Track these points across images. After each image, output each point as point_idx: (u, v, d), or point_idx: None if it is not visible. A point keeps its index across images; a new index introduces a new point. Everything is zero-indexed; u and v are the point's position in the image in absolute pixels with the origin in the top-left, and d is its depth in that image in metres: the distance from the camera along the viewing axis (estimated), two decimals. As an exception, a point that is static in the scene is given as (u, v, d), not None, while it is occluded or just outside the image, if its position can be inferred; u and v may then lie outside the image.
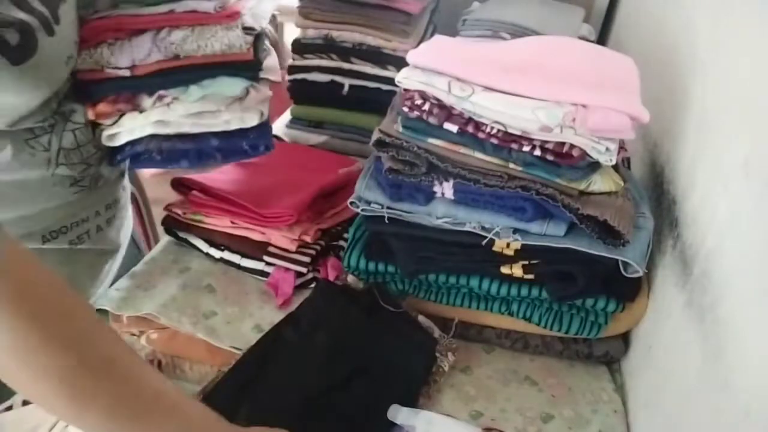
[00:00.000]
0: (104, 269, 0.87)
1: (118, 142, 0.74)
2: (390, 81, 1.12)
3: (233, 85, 0.67)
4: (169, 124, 0.71)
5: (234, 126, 0.68)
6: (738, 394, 0.49)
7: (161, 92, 0.68)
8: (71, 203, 0.77)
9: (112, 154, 0.76)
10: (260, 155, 0.72)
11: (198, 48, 0.63)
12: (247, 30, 0.66)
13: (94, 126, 0.73)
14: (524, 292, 0.72)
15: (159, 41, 0.65)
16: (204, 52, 0.63)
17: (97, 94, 0.70)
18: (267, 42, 0.76)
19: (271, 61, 0.74)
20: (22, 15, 0.59)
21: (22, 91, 0.61)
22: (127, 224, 0.92)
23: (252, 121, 0.68)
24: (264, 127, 0.68)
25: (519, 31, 0.94)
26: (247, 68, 0.67)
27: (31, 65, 0.60)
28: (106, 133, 0.73)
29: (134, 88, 0.70)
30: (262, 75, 0.71)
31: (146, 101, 0.70)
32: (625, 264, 0.66)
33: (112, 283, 0.84)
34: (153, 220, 1.15)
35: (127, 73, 0.67)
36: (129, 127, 0.72)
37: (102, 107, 0.70)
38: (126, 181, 0.92)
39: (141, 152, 0.75)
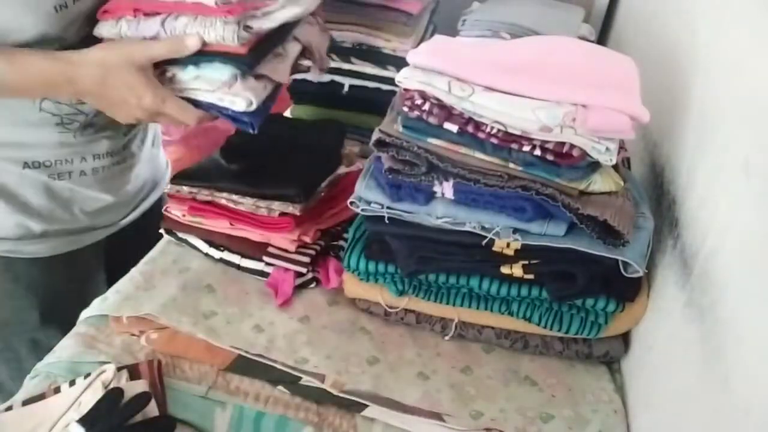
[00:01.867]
0: (91, 217, 0.92)
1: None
2: (390, 81, 1.12)
3: (221, 71, 0.73)
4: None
5: (224, 104, 0.75)
6: (738, 394, 0.49)
7: (165, 67, 0.74)
8: (57, 143, 0.83)
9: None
10: (245, 130, 0.79)
11: (196, 34, 0.71)
12: (247, 27, 0.72)
13: None
14: (524, 292, 0.72)
15: (166, 24, 0.72)
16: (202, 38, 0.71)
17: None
18: (287, 47, 0.82)
19: (278, 63, 0.80)
20: None
21: (8, 19, 0.69)
22: (126, 184, 0.95)
23: (238, 106, 0.74)
24: (252, 114, 0.75)
25: (519, 31, 0.94)
26: (237, 60, 0.73)
27: None
28: None
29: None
30: (260, 71, 0.76)
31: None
32: (625, 264, 0.66)
33: (111, 284, 0.84)
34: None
35: None
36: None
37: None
38: (145, 150, 0.97)
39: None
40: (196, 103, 0.75)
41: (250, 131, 0.76)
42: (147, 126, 0.98)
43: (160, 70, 0.74)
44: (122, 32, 0.73)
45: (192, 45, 0.71)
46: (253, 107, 0.74)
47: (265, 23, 0.75)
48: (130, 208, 0.99)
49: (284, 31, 0.80)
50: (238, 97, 0.73)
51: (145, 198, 1.03)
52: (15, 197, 0.85)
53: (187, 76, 0.74)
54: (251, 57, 0.73)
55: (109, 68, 0.71)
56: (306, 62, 0.89)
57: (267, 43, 0.77)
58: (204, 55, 0.72)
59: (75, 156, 0.86)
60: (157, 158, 1.06)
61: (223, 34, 0.70)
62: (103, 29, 0.74)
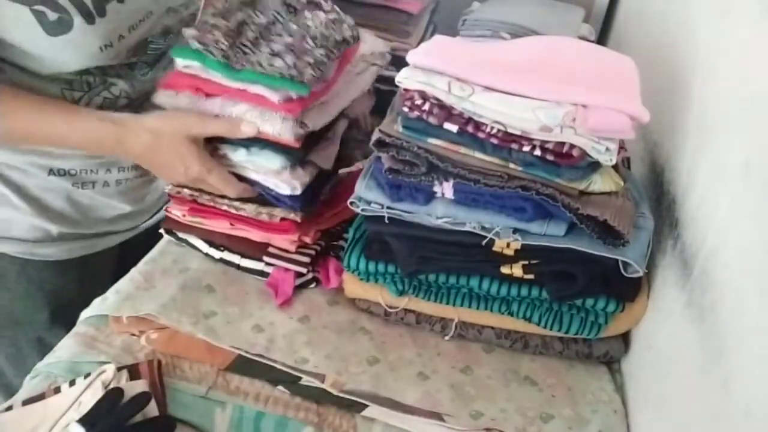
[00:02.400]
0: (114, 222, 0.94)
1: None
2: (390, 81, 1.12)
3: (273, 160, 0.75)
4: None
5: (269, 185, 0.78)
6: (738, 394, 0.49)
7: (217, 144, 0.77)
8: (85, 155, 0.84)
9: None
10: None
11: (253, 123, 0.72)
12: (303, 125, 0.73)
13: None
14: (524, 292, 0.72)
15: (225, 107, 0.74)
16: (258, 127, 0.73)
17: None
18: (336, 127, 0.85)
19: (326, 148, 0.82)
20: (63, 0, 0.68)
21: (54, 57, 0.73)
22: (147, 198, 0.96)
23: (283, 190, 0.77)
24: (294, 197, 0.78)
25: (519, 31, 0.94)
26: (290, 153, 0.75)
27: (63, 40, 0.70)
28: None
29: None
30: (310, 158, 0.79)
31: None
32: (625, 264, 0.66)
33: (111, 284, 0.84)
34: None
35: None
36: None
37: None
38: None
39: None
40: (240, 177, 0.78)
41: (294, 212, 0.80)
42: None
43: (213, 146, 0.76)
44: (179, 105, 0.75)
45: (248, 131, 0.72)
46: (298, 192, 0.76)
47: (321, 119, 0.77)
48: (146, 216, 1.00)
49: (336, 117, 0.83)
50: (285, 183, 0.76)
51: (162, 207, 1.02)
52: (36, 200, 0.86)
53: (237, 157, 0.76)
54: (303, 151, 0.75)
55: (162, 137, 0.73)
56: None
57: (318, 132, 0.79)
58: (257, 141, 0.74)
59: (101, 167, 0.87)
60: None
61: (280, 129, 0.71)
62: (161, 98, 0.76)
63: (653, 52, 0.91)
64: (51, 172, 0.85)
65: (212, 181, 0.76)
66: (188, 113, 0.74)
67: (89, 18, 0.70)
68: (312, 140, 0.78)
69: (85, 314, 0.78)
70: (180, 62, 0.74)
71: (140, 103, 0.85)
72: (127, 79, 0.83)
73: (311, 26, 0.77)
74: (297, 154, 0.75)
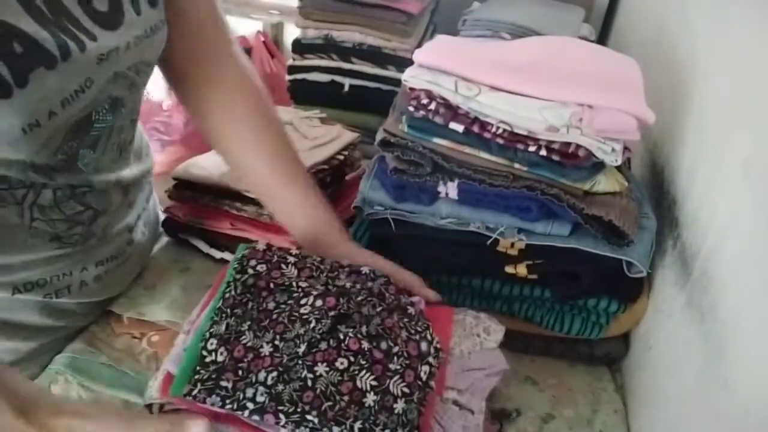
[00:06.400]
0: (95, 312, 0.78)
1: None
2: (390, 81, 1.12)
3: None
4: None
5: None
6: (738, 394, 0.49)
7: None
8: (52, 258, 0.66)
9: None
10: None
11: None
12: None
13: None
14: (527, 291, 0.72)
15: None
16: None
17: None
18: None
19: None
20: None
21: None
22: (129, 274, 0.81)
23: None
24: None
25: (519, 31, 0.94)
26: None
27: None
28: None
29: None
30: None
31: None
32: (628, 264, 0.66)
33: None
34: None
35: None
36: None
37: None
38: (140, 236, 0.80)
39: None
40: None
41: None
42: (147, 201, 0.83)
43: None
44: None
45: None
46: None
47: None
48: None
49: None
50: None
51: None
52: (4, 324, 0.68)
53: None
54: None
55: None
56: None
57: None
58: None
59: (74, 267, 0.69)
60: (154, 213, 0.89)
61: None
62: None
63: (653, 52, 0.91)
64: (16, 289, 0.65)
65: None
66: None
67: (3, 89, 0.49)
68: None
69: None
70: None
71: (83, 193, 0.65)
72: (69, 173, 0.62)
73: None
74: None
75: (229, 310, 0.57)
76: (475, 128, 0.64)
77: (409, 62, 0.70)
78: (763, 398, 0.45)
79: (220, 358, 0.54)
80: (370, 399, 0.51)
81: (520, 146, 0.63)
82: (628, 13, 1.21)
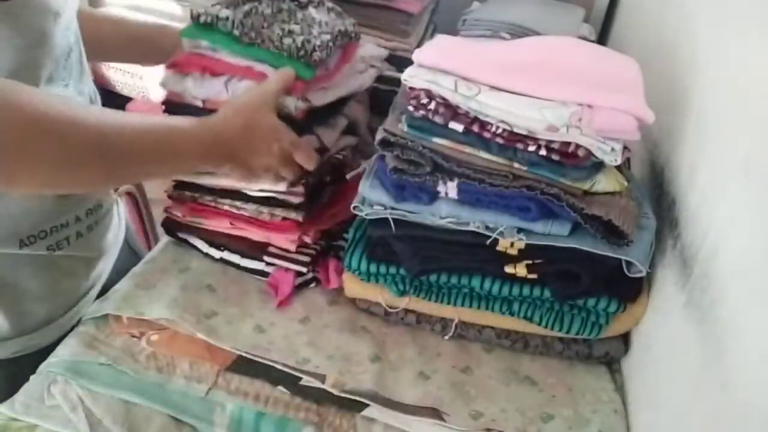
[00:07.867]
0: (90, 275, 0.85)
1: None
2: (389, 80, 1.12)
3: None
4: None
5: None
6: (738, 394, 0.49)
7: None
8: (50, 206, 0.74)
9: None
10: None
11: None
12: (305, 99, 0.75)
13: None
14: (526, 291, 0.72)
15: (229, 84, 0.75)
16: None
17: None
18: (336, 120, 0.87)
19: (327, 130, 0.84)
20: None
21: None
22: (113, 230, 0.88)
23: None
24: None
25: (519, 31, 0.94)
26: (293, 124, 0.75)
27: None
28: None
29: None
30: (315, 131, 0.81)
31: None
32: (628, 264, 0.66)
33: (107, 288, 0.83)
34: (153, 220, 1.15)
35: (200, 104, 0.78)
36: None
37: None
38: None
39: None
40: None
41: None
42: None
43: None
44: (187, 88, 0.76)
45: (293, 74, 0.72)
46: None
47: (322, 98, 0.79)
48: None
49: (336, 106, 0.85)
50: None
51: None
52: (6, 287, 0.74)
53: None
54: (304, 123, 0.77)
55: (254, 111, 0.70)
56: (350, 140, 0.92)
57: (319, 113, 0.81)
58: None
59: (69, 217, 0.77)
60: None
61: (284, 102, 0.73)
62: (168, 80, 0.77)
63: (653, 52, 0.91)
64: (22, 243, 0.73)
65: (299, 157, 0.72)
66: (254, 88, 0.72)
67: None
68: (313, 119, 0.79)
69: (86, 315, 0.78)
70: (187, 43, 0.75)
71: None
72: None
73: (316, 18, 0.80)
74: (299, 125, 0.76)
75: None
76: (475, 128, 0.64)
77: (409, 62, 0.70)
78: (763, 398, 0.45)
79: None
80: None
81: (520, 146, 0.63)
82: (628, 13, 1.21)
